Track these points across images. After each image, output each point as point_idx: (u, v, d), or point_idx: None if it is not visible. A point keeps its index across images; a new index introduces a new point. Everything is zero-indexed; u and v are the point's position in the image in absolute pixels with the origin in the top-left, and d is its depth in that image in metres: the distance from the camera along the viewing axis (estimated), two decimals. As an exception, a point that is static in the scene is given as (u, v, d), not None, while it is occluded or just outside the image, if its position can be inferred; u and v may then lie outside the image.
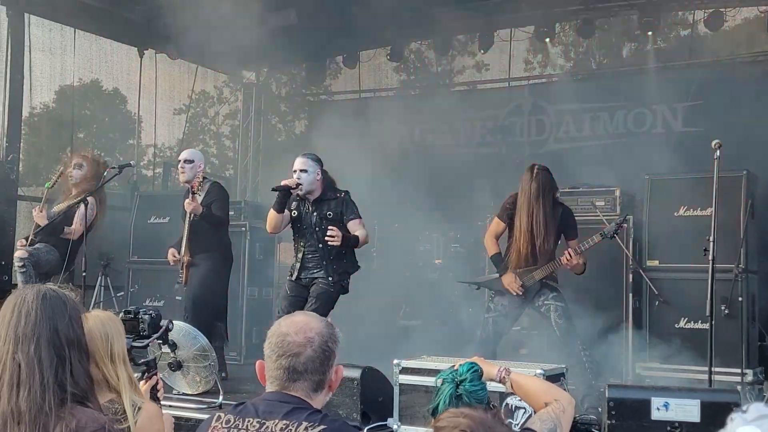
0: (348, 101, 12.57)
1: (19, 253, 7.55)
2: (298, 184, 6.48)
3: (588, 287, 7.21)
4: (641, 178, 7.90)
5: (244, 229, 9.02)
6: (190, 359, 6.28)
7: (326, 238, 6.40)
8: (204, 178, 7.30)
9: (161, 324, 3.79)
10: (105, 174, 7.67)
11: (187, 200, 7.11)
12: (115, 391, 3.11)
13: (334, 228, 6.38)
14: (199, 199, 7.18)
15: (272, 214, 6.61)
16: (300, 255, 6.67)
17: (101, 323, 3.26)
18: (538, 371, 5.20)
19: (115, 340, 3.24)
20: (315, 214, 6.59)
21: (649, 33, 9.89)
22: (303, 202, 6.63)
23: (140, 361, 3.46)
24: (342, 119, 12.01)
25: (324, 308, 6.55)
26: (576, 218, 6.89)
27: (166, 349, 5.73)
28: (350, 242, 6.51)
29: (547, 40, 10.31)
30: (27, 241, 7.63)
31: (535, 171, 6.43)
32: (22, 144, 9.50)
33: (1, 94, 8.92)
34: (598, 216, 7.44)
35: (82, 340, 2.37)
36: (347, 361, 5.74)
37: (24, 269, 7.48)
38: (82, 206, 7.45)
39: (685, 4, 9.66)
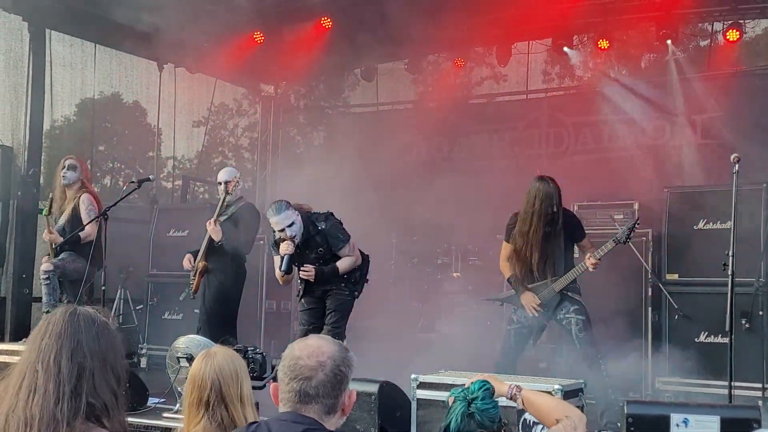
0: (366, 114, 12.60)
1: (44, 267, 7.62)
2: (294, 243, 6.45)
3: (607, 301, 7.18)
4: (660, 191, 7.86)
5: (262, 242, 9.03)
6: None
7: (301, 275, 6.46)
8: (240, 197, 7.41)
9: (273, 364, 3.72)
10: (125, 188, 7.73)
11: (210, 226, 7.14)
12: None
13: (309, 267, 6.48)
14: (231, 211, 7.26)
15: (281, 274, 6.62)
16: (304, 283, 6.72)
17: (230, 360, 3.19)
18: (556, 387, 5.17)
19: (244, 380, 3.19)
20: (307, 252, 6.62)
21: (668, 42, 9.83)
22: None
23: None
24: (360, 131, 12.06)
25: (343, 318, 6.60)
26: (594, 231, 6.87)
27: (184, 363, 5.80)
28: (325, 276, 6.51)
29: (566, 49, 10.26)
30: (52, 254, 7.70)
31: (548, 181, 6.43)
32: (43, 156, 9.60)
33: (23, 108, 9.03)
34: (617, 229, 7.39)
35: (109, 357, 2.34)
36: (365, 375, 5.76)
37: (48, 282, 7.55)
38: (82, 207, 7.59)
39: (704, 15, 9.61)
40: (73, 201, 7.71)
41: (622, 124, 10.35)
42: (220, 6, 8.34)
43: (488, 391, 2.99)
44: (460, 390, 2.99)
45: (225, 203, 7.26)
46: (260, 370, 3.70)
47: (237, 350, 3.77)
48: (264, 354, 3.72)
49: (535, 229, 6.35)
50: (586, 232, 6.75)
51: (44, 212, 7.73)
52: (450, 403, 2.94)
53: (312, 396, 2.49)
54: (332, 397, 2.51)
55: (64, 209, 7.77)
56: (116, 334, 2.44)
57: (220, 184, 7.45)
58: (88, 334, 2.32)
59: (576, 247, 6.74)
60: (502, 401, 3.17)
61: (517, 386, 3.31)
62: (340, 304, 6.64)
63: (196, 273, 7.23)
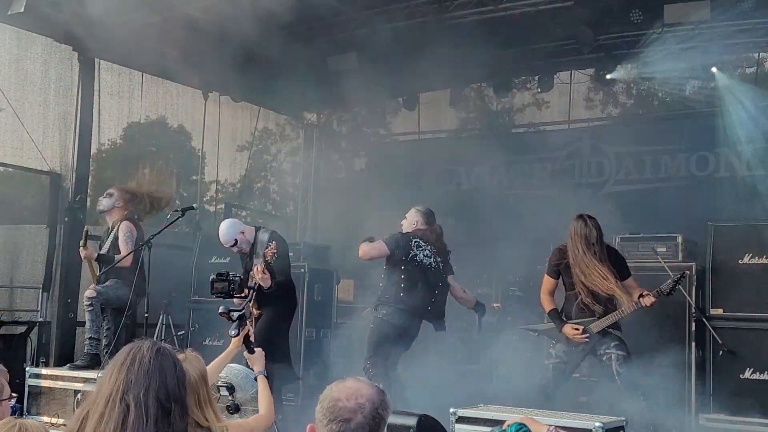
0: (407, 141, 12.64)
1: (87, 293, 7.74)
2: None
3: (650, 335, 7.09)
4: (704, 224, 7.76)
5: (303, 270, 9.09)
6: (248, 402, 6.31)
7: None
8: (258, 228, 7.38)
9: (250, 286, 4.52)
10: (168, 216, 7.82)
11: (259, 274, 7.02)
12: (206, 428, 3.23)
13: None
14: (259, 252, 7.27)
15: None
16: None
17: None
18: (597, 424, 5.13)
19: (200, 386, 3.34)
20: None
21: (713, 70, 9.74)
22: None
23: (235, 317, 4.22)
24: (401, 158, 12.10)
25: (369, 340, 6.74)
26: (636, 264, 6.83)
27: (224, 392, 5.84)
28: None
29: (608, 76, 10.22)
30: (94, 281, 7.83)
31: (586, 220, 6.42)
32: (90, 179, 9.78)
33: (72, 136, 9.22)
34: (660, 263, 7.31)
35: (185, 401, 2.46)
36: (403, 407, 5.74)
37: (91, 308, 7.66)
38: (120, 235, 7.70)
39: (750, 46, 9.51)
40: (114, 229, 7.85)
41: (664, 154, 10.26)
42: (263, 40, 8.45)
43: (524, 435, 2.99)
44: (498, 431, 3.00)
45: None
46: (238, 290, 4.59)
47: (220, 274, 4.67)
48: (241, 277, 4.54)
49: (590, 264, 6.37)
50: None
51: (81, 243, 7.84)
52: (487, 445, 2.94)
53: (351, 438, 2.50)
54: (370, 439, 2.52)
55: (108, 235, 7.94)
56: (190, 377, 2.54)
57: (231, 247, 7.34)
58: (171, 376, 2.42)
59: None
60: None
61: (556, 428, 3.30)
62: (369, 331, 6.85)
63: (250, 315, 7.27)
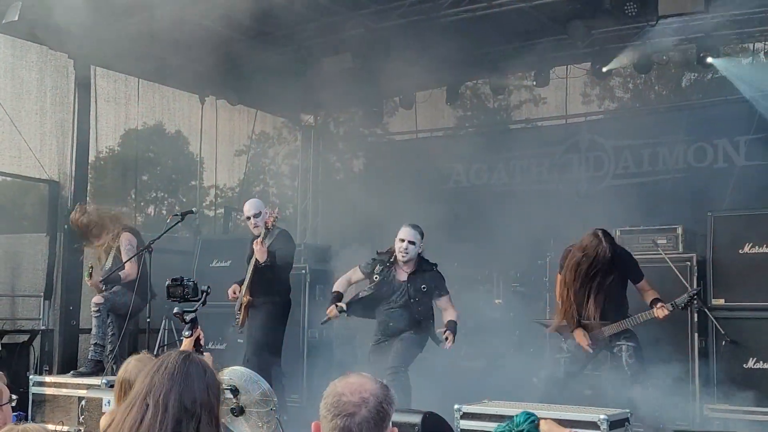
0: (405, 141, 12.65)
1: (94, 299, 7.80)
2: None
3: (652, 327, 7.09)
4: (704, 215, 7.77)
5: (304, 271, 9.09)
6: (253, 404, 6.31)
7: (448, 347, 6.62)
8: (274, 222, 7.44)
9: (202, 289, 4.68)
10: (168, 221, 7.85)
11: (257, 246, 7.18)
12: None
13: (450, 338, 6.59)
14: (267, 243, 7.30)
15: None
16: (382, 318, 6.87)
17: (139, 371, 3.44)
18: (602, 417, 5.14)
19: None
20: (410, 285, 6.74)
21: (709, 60, 9.71)
22: (389, 269, 6.79)
23: (188, 319, 4.34)
24: (399, 158, 12.11)
25: (408, 350, 6.67)
26: (637, 257, 6.83)
27: (228, 395, 5.85)
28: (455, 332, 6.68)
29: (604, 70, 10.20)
30: (97, 289, 7.84)
31: (600, 236, 6.35)
32: (89, 188, 9.78)
33: (69, 144, 9.22)
34: (660, 254, 7.32)
35: (215, 409, 2.46)
36: (408, 404, 5.74)
37: (98, 314, 7.73)
38: (121, 248, 7.80)
39: (745, 36, 9.50)
40: (115, 242, 7.88)
41: (662, 146, 10.27)
42: (259, 42, 8.46)
43: (533, 423, 2.99)
44: (506, 424, 3.00)
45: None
46: (192, 293, 4.70)
47: (174, 279, 4.72)
48: (195, 281, 4.73)
49: (591, 277, 6.35)
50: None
51: (86, 275, 7.86)
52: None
53: (356, 433, 2.50)
54: (375, 434, 2.52)
55: (109, 251, 7.95)
56: (221, 387, 2.56)
57: (248, 218, 7.48)
58: (198, 382, 2.43)
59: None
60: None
61: (576, 432, 3.31)
62: (408, 337, 6.81)
63: (241, 307, 7.30)
